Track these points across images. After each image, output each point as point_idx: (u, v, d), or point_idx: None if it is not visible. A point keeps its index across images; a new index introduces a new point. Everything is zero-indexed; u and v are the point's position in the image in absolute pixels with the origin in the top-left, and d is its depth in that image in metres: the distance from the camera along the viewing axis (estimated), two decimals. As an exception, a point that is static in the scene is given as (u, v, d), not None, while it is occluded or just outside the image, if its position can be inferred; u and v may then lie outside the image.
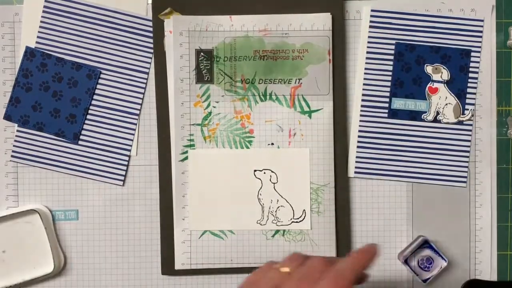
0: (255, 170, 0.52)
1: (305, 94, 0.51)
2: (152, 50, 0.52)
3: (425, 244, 0.51)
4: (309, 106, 0.52)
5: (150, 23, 0.52)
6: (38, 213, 0.50)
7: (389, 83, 0.52)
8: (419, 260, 0.51)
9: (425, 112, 0.52)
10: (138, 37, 0.52)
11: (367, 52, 0.52)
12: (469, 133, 0.52)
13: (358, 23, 0.52)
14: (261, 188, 0.51)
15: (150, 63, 0.52)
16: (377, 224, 0.52)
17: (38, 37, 0.52)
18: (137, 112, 0.52)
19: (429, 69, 0.52)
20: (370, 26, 0.52)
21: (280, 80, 0.52)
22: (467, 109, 0.52)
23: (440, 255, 0.51)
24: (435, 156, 0.52)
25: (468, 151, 0.52)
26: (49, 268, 0.50)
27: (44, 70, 0.52)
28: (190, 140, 0.52)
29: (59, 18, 0.52)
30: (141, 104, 0.52)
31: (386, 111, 0.52)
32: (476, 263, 0.52)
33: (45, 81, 0.52)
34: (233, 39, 0.51)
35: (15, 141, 0.52)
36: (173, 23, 0.51)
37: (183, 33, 0.51)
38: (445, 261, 0.51)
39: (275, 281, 0.35)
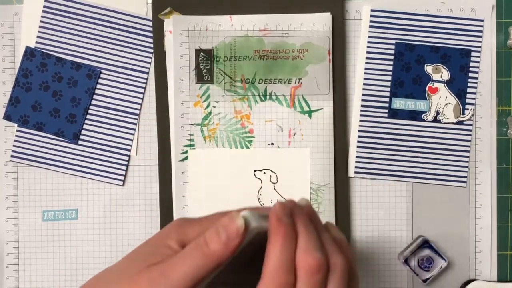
0: (255, 170, 0.51)
1: (305, 94, 0.51)
2: (152, 50, 0.52)
3: (425, 244, 0.51)
4: (309, 106, 0.52)
5: (150, 23, 0.52)
6: None
7: (389, 83, 0.52)
8: (419, 260, 0.51)
9: (425, 112, 0.52)
10: (138, 37, 0.52)
11: (367, 52, 0.52)
12: (469, 133, 0.52)
13: (358, 23, 0.52)
14: (261, 188, 0.51)
15: (150, 63, 0.52)
16: (377, 224, 0.52)
17: (38, 37, 0.52)
18: (137, 112, 0.52)
19: (429, 69, 0.52)
20: (370, 26, 0.52)
21: (280, 80, 0.51)
22: (467, 109, 0.52)
23: (440, 255, 0.51)
24: (435, 156, 0.52)
25: (468, 151, 0.52)
26: None
27: (44, 70, 0.52)
28: (190, 140, 0.52)
29: (59, 18, 0.52)
30: (141, 104, 0.52)
31: (386, 111, 0.52)
32: (476, 263, 0.52)
33: (45, 81, 0.52)
34: (233, 39, 0.51)
35: (15, 141, 0.52)
36: (173, 23, 0.51)
37: (183, 33, 0.51)
38: (445, 261, 0.51)
39: None
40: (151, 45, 0.52)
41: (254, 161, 0.52)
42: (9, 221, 0.52)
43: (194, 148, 0.52)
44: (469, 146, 0.52)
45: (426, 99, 0.52)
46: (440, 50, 0.52)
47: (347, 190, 0.52)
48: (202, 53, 0.51)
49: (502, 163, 0.52)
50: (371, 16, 0.52)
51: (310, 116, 0.52)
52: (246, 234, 0.30)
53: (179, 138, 0.52)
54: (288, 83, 0.51)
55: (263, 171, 0.52)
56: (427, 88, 0.52)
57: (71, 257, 0.52)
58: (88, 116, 0.52)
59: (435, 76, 0.52)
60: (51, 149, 0.52)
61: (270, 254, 0.29)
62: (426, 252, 0.51)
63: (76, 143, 0.52)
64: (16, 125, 0.52)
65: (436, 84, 0.52)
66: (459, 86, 0.52)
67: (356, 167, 0.52)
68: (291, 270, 0.29)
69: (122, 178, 0.52)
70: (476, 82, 0.52)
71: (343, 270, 0.31)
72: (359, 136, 0.52)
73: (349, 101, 0.52)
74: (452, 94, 0.52)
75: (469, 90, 0.52)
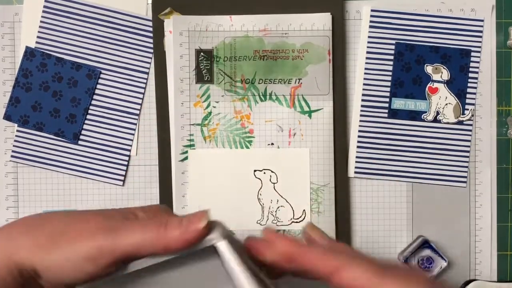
0: (255, 170, 0.51)
1: (305, 94, 0.51)
2: (152, 50, 0.52)
3: (425, 244, 0.51)
4: (309, 106, 0.52)
5: (150, 23, 0.52)
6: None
7: (389, 83, 0.52)
8: (419, 260, 0.51)
9: (425, 112, 0.52)
10: (138, 37, 0.52)
11: (367, 52, 0.52)
12: (469, 133, 0.52)
13: (358, 23, 0.52)
14: (261, 188, 0.51)
15: (150, 63, 0.52)
16: (377, 224, 0.52)
17: (38, 37, 0.52)
18: (137, 112, 0.52)
19: (429, 69, 0.52)
20: (370, 26, 0.52)
21: (280, 80, 0.51)
22: (467, 109, 0.52)
23: (440, 255, 0.51)
24: (435, 156, 0.52)
25: (468, 151, 0.52)
26: None
27: (44, 70, 0.52)
28: (190, 140, 0.52)
29: (59, 18, 0.52)
30: (141, 104, 0.52)
31: (386, 111, 0.52)
32: (476, 263, 0.52)
33: (45, 81, 0.52)
34: (233, 39, 0.51)
35: (15, 141, 0.52)
36: (173, 23, 0.51)
37: (183, 33, 0.51)
38: (445, 261, 0.51)
39: None
40: (151, 45, 0.52)
41: (254, 161, 0.52)
42: (9, 221, 0.52)
43: (194, 148, 0.52)
44: (469, 146, 0.52)
45: (426, 99, 0.52)
46: (440, 50, 0.52)
47: (347, 190, 0.52)
48: (202, 53, 0.51)
49: (502, 163, 0.52)
50: (371, 16, 0.52)
51: (310, 116, 0.52)
52: (205, 233, 0.30)
53: (179, 138, 0.52)
54: (288, 83, 0.51)
55: (263, 171, 0.52)
56: (427, 88, 0.52)
57: (71, 257, 0.52)
58: (88, 116, 0.52)
59: (435, 76, 0.52)
60: (51, 149, 0.52)
61: (309, 256, 0.32)
62: (426, 252, 0.51)
63: (76, 143, 0.52)
64: (16, 125, 0.52)
65: (436, 84, 0.52)
66: (459, 86, 0.52)
67: (356, 167, 0.52)
68: None
69: (122, 178, 0.52)
70: (476, 82, 0.52)
71: None
72: (359, 136, 0.52)
73: (349, 101, 0.52)
74: (452, 94, 0.52)
75: (469, 90, 0.52)
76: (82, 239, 0.29)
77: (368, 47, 0.52)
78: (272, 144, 0.52)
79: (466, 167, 0.52)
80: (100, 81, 0.52)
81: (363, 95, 0.52)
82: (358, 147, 0.52)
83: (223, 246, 0.30)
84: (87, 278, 0.29)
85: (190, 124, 0.52)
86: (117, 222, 0.30)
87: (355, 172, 0.52)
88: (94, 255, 0.29)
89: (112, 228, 0.30)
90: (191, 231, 0.30)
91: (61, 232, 0.30)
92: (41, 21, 0.52)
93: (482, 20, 0.52)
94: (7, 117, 0.52)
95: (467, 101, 0.52)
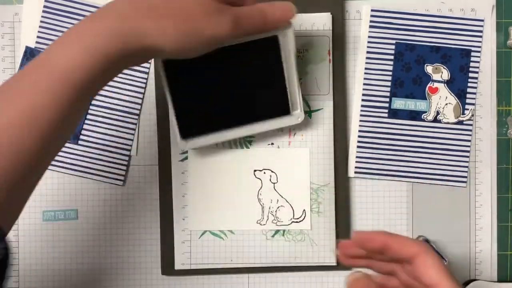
0: (255, 170, 0.51)
1: (305, 94, 0.51)
2: (152, 50, 0.52)
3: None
4: (309, 106, 0.52)
5: (150, 23, 0.52)
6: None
7: (389, 83, 0.52)
8: (419, 260, 0.51)
9: (425, 112, 0.52)
10: (138, 37, 0.52)
11: (367, 52, 0.52)
12: (469, 133, 0.52)
13: (358, 23, 0.52)
14: (261, 188, 0.51)
15: (150, 63, 0.52)
16: (377, 224, 0.52)
17: (38, 37, 0.52)
18: (137, 112, 0.52)
19: (429, 69, 0.52)
20: (370, 26, 0.52)
21: (280, 80, 0.51)
22: (467, 109, 0.52)
23: (440, 255, 0.51)
24: (435, 156, 0.52)
25: (468, 151, 0.52)
26: None
27: (44, 70, 0.52)
28: (190, 140, 0.52)
29: (59, 18, 0.52)
30: (141, 104, 0.52)
31: (386, 111, 0.52)
32: (476, 263, 0.52)
33: (45, 81, 0.52)
34: (233, 39, 0.51)
35: (15, 141, 0.52)
36: (173, 23, 0.51)
37: (183, 33, 0.51)
38: (445, 261, 0.51)
39: None
40: (151, 45, 0.52)
41: (254, 161, 0.52)
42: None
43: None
44: (469, 146, 0.52)
45: (426, 99, 0.52)
46: (440, 50, 0.52)
47: (347, 190, 0.52)
48: (202, 53, 0.51)
49: (502, 163, 0.52)
50: (371, 16, 0.52)
51: (310, 116, 0.52)
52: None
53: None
54: (288, 83, 0.51)
55: (263, 171, 0.51)
56: (427, 88, 0.52)
57: (71, 257, 0.52)
58: (88, 116, 0.52)
59: (435, 76, 0.52)
60: (51, 149, 0.52)
61: None
62: (426, 252, 0.51)
63: (76, 143, 0.52)
64: (16, 125, 0.52)
65: (436, 84, 0.52)
66: (459, 86, 0.52)
67: (356, 167, 0.52)
68: None
69: (122, 178, 0.52)
70: (476, 82, 0.52)
71: None
72: (359, 136, 0.52)
73: (349, 101, 0.52)
74: (452, 94, 0.52)
75: (469, 90, 0.52)
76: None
77: (368, 47, 0.52)
78: (272, 144, 0.52)
79: (466, 167, 0.52)
80: (100, 81, 0.52)
81: (363, 95, 0.52)
82: (358, 147, 0.52)
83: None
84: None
85: (190, 124, 0.51)
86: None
87: (355, 172, 0.52)
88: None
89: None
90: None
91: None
92: (41, 21, 0.52)
93: (482, 20, 0.52)
94: (7, 117, 0.52)
95: (467, 101, 0.52)
